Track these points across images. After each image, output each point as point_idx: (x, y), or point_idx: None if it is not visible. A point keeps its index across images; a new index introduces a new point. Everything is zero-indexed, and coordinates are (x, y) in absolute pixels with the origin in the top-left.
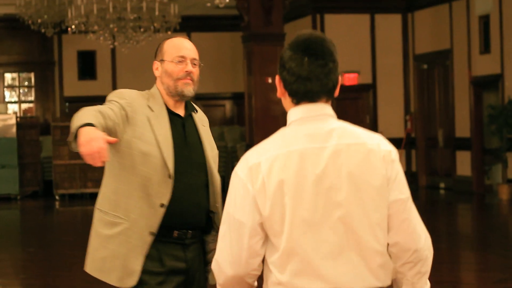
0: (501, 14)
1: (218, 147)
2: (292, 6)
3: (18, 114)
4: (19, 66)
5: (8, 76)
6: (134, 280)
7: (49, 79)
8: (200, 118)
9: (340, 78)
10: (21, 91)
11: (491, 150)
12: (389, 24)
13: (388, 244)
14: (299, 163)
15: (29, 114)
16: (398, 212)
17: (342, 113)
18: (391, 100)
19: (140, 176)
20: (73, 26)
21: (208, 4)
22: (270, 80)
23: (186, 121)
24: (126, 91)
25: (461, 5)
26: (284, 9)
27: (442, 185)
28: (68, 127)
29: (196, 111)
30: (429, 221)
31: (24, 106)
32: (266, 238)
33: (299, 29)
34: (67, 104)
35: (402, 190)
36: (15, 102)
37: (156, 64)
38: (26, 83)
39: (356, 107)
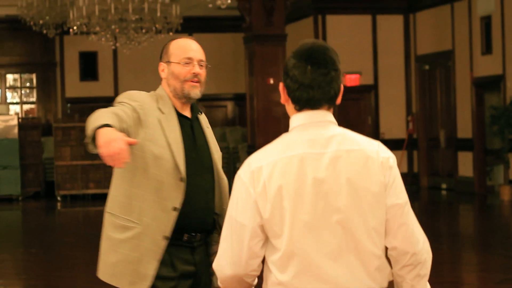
0: (502, 15)
1: (220, 148)
2: (293, 7)
3: (20, 115)
4: (21, 67)
5: (10, 77)
6: (146, 285)
7: (51, 80)
8: (205, 120)
9: (342, 86)
10: (23, 92)
11: (493, 151)
12: (391, 25)
13: (387, 248)
14: (299, 168)
15: (30, 115)
16: (396, 216)
17: (344, 114)
18: (392, 101)
19: (152, 179)
20: (75, 27)
21: (210, 5)
22: (271, 81)
23: (194, 123)
24: (136, 93)
25: (463, 6)
26: (285, 10)
27: (443, 185)
28: (69, 128)
29: (201, 112)
30: (431, 221)
31: (26, 107)
32: (266, 240)
33: (301, 30)
34: (68, 105)
35: (399, 195)
36: (17, 103)
37: (162, 66)
38: (28, 84)
39: (358, 108)
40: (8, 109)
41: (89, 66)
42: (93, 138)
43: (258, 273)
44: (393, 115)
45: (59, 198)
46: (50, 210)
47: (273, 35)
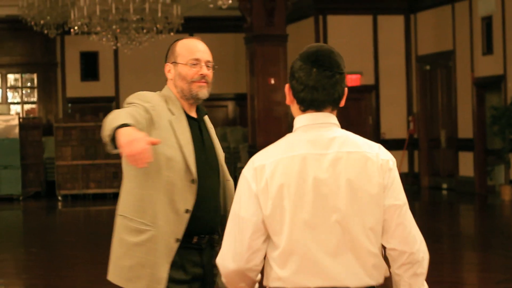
0: (503, 15)
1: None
2: (294, 7)
3: (20, 115)
4: (21, 67)
5: (11, 77)
6: None
7: (52, 80)
8: (208, 120)
9: (346, 89)
10: (23, 92)
11: (494, 151)
12: (392, 25)
13: (385, 247)
14: (301, 168)
15: (31, 115)
16: (394, 217)
17: (345, 114)
18: (393, 101)
19: (165, 182)
20: (75, 27)
21: (211, 5)
22: (272, 81)
23: (201, 124)
24: (147, 93)
25: (464, 6)
26: (286, 10)
27: (444, 185)
28: (70, 128)
29: (206, 113)
30: (432, 221)
31: (27, 107)
32: (268, 235)
33: (301, 30)
34: (69, 105)
35: (398, 196)
36: (17, 103)
37: (169, 66)
38: (28, 84)
39: (359, 108)
40: (9, 109)
41: (90, 66)
42: (112, 138)
43: (260, 268)
44: (394, 115)
45: (59, 198)
46: (50, 210)
47: (274, 35)
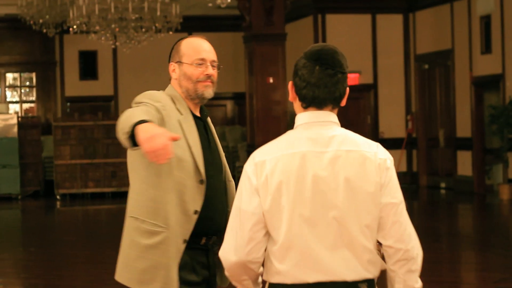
0: (502, 14)
1: None
2: (293, 6)
3: (19, 114)
4: (20, 66)
5: (9, 76)
6: None
7: (51, 79)
8: (210, 121)
9: (348, 89)
10: (22, 91)
11: (492, 150)
12: (391, 24)
13: (381, 244)
14: (300, 165)
15: (30, 114)
16: (390, 214)
17: (343, 113)
18: (392, 100)
19: (176, 182)
20: (74, 26)
21: (210, 4)
22: (271, 80)
23: (205, 124)
24: (156, 93)
25: (463, 5)
26: (285, 9)
27: (443, 185)
28: (69, 127)
29: (208, 113)
30: (430, 221)
31: (26, 106)
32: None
33: (300, 29)
34: (68, 104)
35: (394, 195)
36: (16, 102)
37: (173, 66)
38: (27, 83)
39: (357, 107)
40: (7, 108)
41: (88, 65)
42: (131, 136)
43: (261, 261)
44: (393, 114)
45: (58, 197)
46: (49, 209)
47: (272, 35)
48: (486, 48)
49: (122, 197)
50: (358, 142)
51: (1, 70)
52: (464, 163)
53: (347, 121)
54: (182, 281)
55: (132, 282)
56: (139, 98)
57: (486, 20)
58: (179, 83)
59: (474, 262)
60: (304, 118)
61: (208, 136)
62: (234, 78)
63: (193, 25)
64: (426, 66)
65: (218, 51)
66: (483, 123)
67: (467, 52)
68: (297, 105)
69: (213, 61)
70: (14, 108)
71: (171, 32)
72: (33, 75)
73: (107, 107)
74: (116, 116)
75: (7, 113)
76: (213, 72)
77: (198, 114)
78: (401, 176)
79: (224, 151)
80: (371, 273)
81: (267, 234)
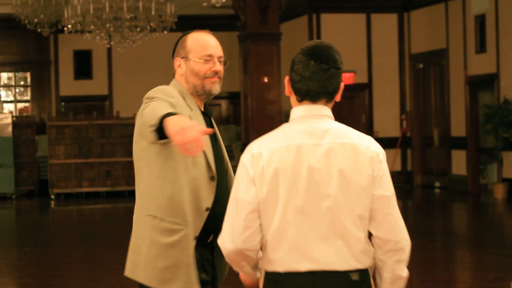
0: (497, 14)
1: None
2: (288, 5)
3: (14, 114)
4: (15, 66)
5: (4, 76)
6: None
7: (45, 79)
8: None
9: (342, 85)
10: (17, 90)
11: (487, 149)
12: (385, 24)
13: (372, 235)
14: (296, 156)
15: (25, 114)
16: (383, 207)
17: (338, 113)
18: (386, 99)
19: (191, 179)
20: (69, 26)
21: (205, 4)
22: (266, 80)
23: (211, 120)
24: (168, 88)
25: (457, 5)
26: (280, 8)
27: (437, 184)
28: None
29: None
30: (424, 220)
31: (20, 105)
32: None
33: (295, 29)
34: (63, 103)
35: (387, 188)
36: (11, 102)
37: (179, 61)
38: (22, 83)
39: (352, 107)
40: (2, 108)
41: (83, 65)
42: (158, 129)
43: (258, 248)
44: (387, 113)
45: (53, 197)
46: (44, 209)
47: (267, 34)
48: (481, 47)
49: (116, 196)
50: (351, 135)
51: None
52: (459, 162)
53: (341, 120)
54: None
55: (153, 281)
56: (151, 93)
57: (480, 20)
58: (185, 79)
59: (468, 261)
60: (299, 111)
61: (215, 132)
62: (229, 77)
63: (188, 24)
64: (421, 66)
65: None
66: (478, 122)
67: (462, 51)
68: (292, 99)
69: (220, 56)
70: (8, 107)
71: (166, 32)
72: (28, 74)
73: (102, 107)
74: (110, 116)
75: (2, 112)
76: (220, 68)
77: (203, 110)
78: (395, 175)
79: None
80: (363, 264)
81: (261, 225)
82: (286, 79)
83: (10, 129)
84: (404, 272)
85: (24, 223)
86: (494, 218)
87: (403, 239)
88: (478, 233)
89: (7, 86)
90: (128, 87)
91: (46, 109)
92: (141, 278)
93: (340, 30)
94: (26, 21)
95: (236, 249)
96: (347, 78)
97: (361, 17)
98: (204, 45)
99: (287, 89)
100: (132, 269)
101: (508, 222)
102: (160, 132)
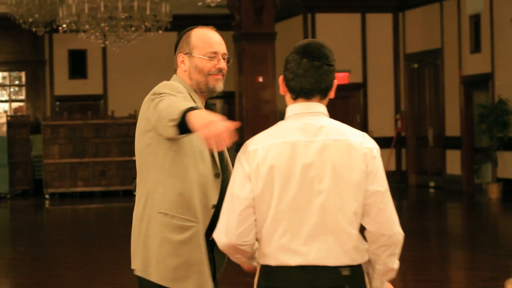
0: (491, 14)
1: None
2: (283, 5)
3: (8, 113)
4: (10, 65)
5: None
6: (212, 287)
7: (40, 78)
8: None
9: (335, 81)
10: (11, 90)
11: (481, 149)
12: (380, 24)
13: (366, 229)
14: (290, 153)
15: (19, 113)
16: (377, 202)
17: (333, 112)
18: (381, 99)
19: (200, 176)
20: (64, 25)
21: (200, 3)
22: (261, 79)
23: None
24: (176, 83)
25: (452, 5)
26: (275, 8)
27: (432, 184)
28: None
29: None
30: (419, 220)
31: (15, 105)
32: None
33: (290, 28)
34: (57, 103)
35: (381, 183)
36: (5, 101)
37: (182, 57)
38: (16, 82)
39: (347, 106)
40: None
41: (78, 64)
42: (179, 124)
43: (251, 243)
44: (382, 113)
45: (47, 196)
46: (38, 208)
47: (262, 34)
48: (476, 47)
49: (111, 196)
50: (345, 132)
51: None
52: (453, 162)
53: (336, 120)
54: None
55: (166, 280)
56: (159, 88)
57: (475, 19)
58: (189, 75)
59: (463, 261)
60: (294, 109)
61: None
62: None
63: (182, 24)
64: (416, 65)
65: None
66: (472, 122)
67: (457, 51)
68: (287, 97)
69: (224, 54)
70: (3, 107)
71: (160, 31)
72: (23, 74)
73: (97, 106)
74: (105, 115)
75: None
76: (224, 65)
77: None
78: (390, 175)
79: None
80: (355, 261)
81: (255, 220)
82: (281, 78)
83: (4, 128)
84: (396, 264)
85: (18, 222)
86: (488, 218)
87: (396, 234)
88: (472, 233)
89: (1, 86)
90: (123, 87)
91: (41, 109)
92: (153, 277)
93: (335, 30)
94: (21, 21)
95: (230, 243)
96: (341, 78)
97: (356, 17)
98: (209, 41)
99: (282, 88)
100: (144, 268)
101: (502, 222)
102: (180, 127)
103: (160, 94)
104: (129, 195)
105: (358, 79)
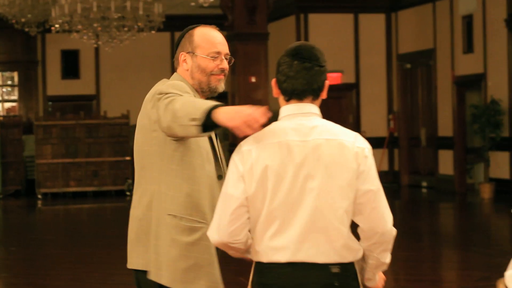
0: (484, 14)
1: None
2: (276, 5)
3: (1, 113)
4: (2, 65)
5: None
6: None
7: (33, 78)
8: None
9: (327, 82)
10: (4, 90)
11: (474, 149)
12: (373, 24)
13: (359, 227)
14: (284, 153)
15: (12, 113)
16: (369, 201)
17: (325, 112)
18: (374, 99)
19: (207, 176)
20: (56, 25)
21: (192, 4)
22: (253, 80)
23: None
24: (181, 83)
25: (445, 5)
26: (268, 8)
27: (424, 184)
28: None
29: None
30: (411, 220)
31: (7, 105)
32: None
33: (283, 29)
34: (50, 103)
35: (373, 182)
36: None
37: (184, 56)
38: (9, 82)
39: (340, 107)
40: None
41: (70, 64)
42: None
43: (243, 241)
44: (375, 113)
45: (39, 196)
46: (30, 208)
47: (255, 34)
48: (468, 47)
49: (103, 196)
50: (337, 132)
51: None
52: (446, 162)
53: (329, 120)
54: None
55: (176, 283)
56: (165, 88)
57: (468, 20)
58: (191, 74)
59: (455, 260)
60: (288, 110)
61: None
62: None
63: (175, 24)
64: (408, 66)
65: None
66: (465, 122)
67: (449, 51)
68: (281, 99)
69: (227, 54)
70: None
71: (153, 32)
72: (15, 74)
73: (89, 106)
74: (98, 116)
75: None
76: (227, 66)
77: None
78: (382, 175)
79: None
80: (345, 258)
81: (249, 219)
82: (273, 81)
83: None
84: (388, 259)
85: (10, 222)
86: (480, 218)
87: (389, 231)
88: (464, 233)
89: None
90: (115, 87)
91: (33, 109)
92: (164, 280)
93: (328, 30)
94: (13, 21)
95: (221, 242)
96: (334, 78)
97: (348, 17)
98: (212, 41)
99: (275, 91)
100: (156, 272)
101: (494, 222)
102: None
103: (167, 93)
104: (122, 195)
105: (351, 79)
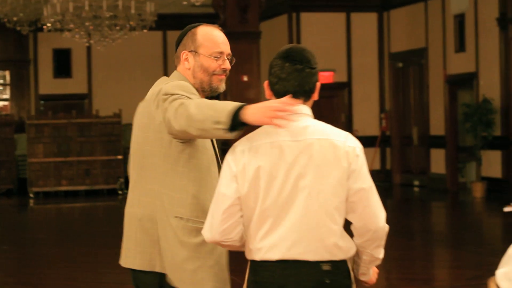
0: (476, 13)
1: None
2: (268, 4)
3: None
4: None
5: None
6: None
7: (25, 77)
8: None
9: (318, 84)
10: None
11: (466, 148)
12: (365, 23)
13: (352, 224)
14: (276, 153)
15: (4, 112)
16: (362, 199)
17: (317, 111)
18: (366, 98)
19: (213, 178)
20: (48, 24)
21: (185, 2)
22: (245, 78)
23: None
24: (185, 83)
25: (437, 4)
26: (260, 7)
27: (416, 182)
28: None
29: None
30: (403, 219)
31: None
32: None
33: (275, 27)
34: (42, 102)
35: (365, 181)
36: None
37: (186, 55)
38: (1, 81)
39: (332, 105)
40: None
41: (62, 63)
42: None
43: (236, 239)
44: (367, 112)
45: (31, 195)
46: (22, 207)
47: (247, 33)
48: (460, 46)
49: (95, 195)
50: (328, 132)
51: None
52: (438, 161)
53: (321, 119)
54: None
55: (185, 284)
56: (172, 89)
57: (460, 19)
58: (193, 73)
59: (447, 259)
60: None
61: None
62: None
63: (167, 23)
64: (400, 65)
65: None
66: (457, 121)
67: (441, 50)
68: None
69: (229, 54)
70: None
71: (145, 30)
72: (7, 73)
73: (81, 105)
74: (90, 115)
75: None
76: (229, 66)
77: None
78: (374, 174)
79: None
80: (336, 256)
81: (241, 217)
82: (266, 84)
83: None
84: (381, 254)
85: (2, 221)
86: (472, 217)
87: (381, 228)
88: (456, 232)
89: None
90: (107, 86)
91: (25, 108)
92: (175, 282)
93: (320, 29)
94: (5, 20)
95: (213, 240)
96: (326, 77)
97: (340, 16)
98: (215, 41)
99: (267, 93)
100: (163, 271)
101: (486, 220)
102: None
103: (173, 95)
104: (114, 194)
105: (343, 78)
